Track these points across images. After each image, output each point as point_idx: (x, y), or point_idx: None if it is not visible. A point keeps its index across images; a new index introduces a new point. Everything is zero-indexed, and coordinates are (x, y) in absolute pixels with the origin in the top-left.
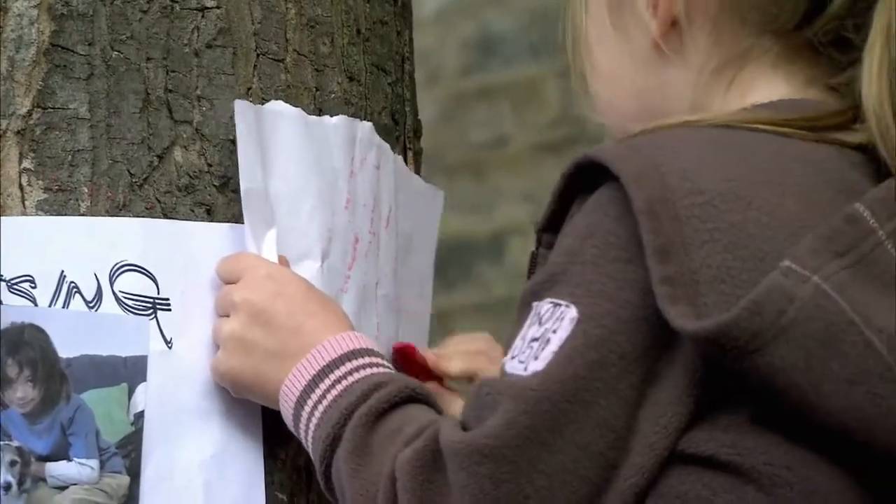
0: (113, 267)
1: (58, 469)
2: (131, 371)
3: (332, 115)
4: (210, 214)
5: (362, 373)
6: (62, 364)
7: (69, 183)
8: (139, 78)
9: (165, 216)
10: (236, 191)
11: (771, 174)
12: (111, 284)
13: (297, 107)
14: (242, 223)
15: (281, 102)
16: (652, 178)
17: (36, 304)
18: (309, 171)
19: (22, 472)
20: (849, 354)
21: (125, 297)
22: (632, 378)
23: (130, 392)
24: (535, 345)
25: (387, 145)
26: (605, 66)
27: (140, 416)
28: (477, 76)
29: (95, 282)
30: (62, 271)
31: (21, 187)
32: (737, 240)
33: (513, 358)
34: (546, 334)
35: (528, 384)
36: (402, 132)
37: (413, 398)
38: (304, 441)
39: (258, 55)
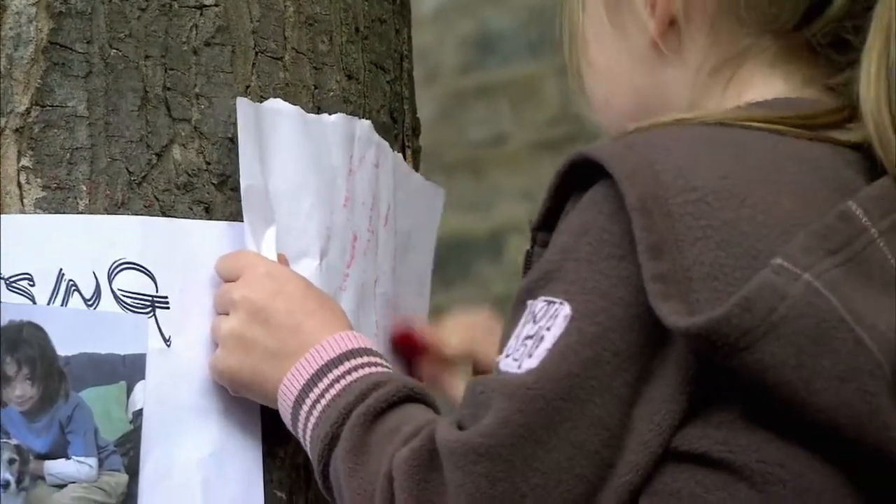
0: (111, 265)
1: (56, 467)
2: (130, 369)
3: (330, 113)
4: (208, 212)
5: (361, 372)
6: (61, 362)
7: (68, 181)
8: (138, 76)
9: (164, 214)
10: (235, 189)
11: (765, 172)
12: (110, 282)
13: (295, 105)
14: (241, 221)
15: (280, 100)
16: (645, 175)
17: (34, 302)
18: (307, 169)
19: (20, 470)
20: (839, 351)
21: (124, 296)
22: (626, 375)
23: (129, 390)
24: (530, 342)
25: (386, 143)
26: (603, 64)
27: (139, 414)
28: (476, 74)
29: (94, 280)
30: (61, 269)
31: (19, 185)
32: (730, 237)
33: (507, 356)
34: (540, 332)
35: (522, 382)
36: (400, 130)
37: (411, 398)
38: (302, 440)
39: (257, 53)
